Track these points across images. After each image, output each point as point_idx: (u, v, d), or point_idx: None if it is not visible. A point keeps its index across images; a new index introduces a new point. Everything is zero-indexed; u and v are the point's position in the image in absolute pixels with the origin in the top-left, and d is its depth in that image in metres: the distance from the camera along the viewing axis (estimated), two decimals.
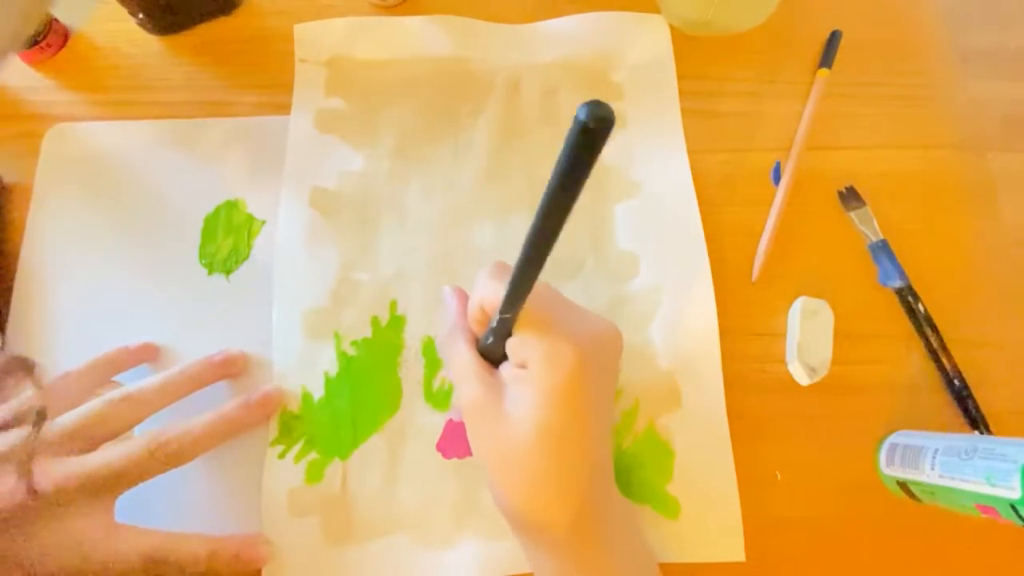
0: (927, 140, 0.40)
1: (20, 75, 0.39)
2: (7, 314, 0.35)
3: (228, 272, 0.36)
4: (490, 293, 0.26)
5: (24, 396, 0.28)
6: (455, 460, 0.33)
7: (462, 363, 0.27)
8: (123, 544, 0.27)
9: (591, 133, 0.16)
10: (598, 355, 0.26)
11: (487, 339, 0.27)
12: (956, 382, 0.35)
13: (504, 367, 0.27)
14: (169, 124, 0.38)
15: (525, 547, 0.27)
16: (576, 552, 0.25)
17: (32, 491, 0.25)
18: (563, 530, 0.25)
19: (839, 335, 0.35)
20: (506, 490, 0.25)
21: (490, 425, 0.26)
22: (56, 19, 0.39)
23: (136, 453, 0.27)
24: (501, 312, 0.24)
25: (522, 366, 0.25)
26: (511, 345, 0.26)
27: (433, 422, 0.33)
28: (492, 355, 0.27)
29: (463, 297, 0.30)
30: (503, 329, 0.25)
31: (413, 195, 0.37)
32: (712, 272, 0.35)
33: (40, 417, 0.27)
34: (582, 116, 0.15)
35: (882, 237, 0.37)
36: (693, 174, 0.37)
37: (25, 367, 0.28)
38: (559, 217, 0.19)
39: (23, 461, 0.26)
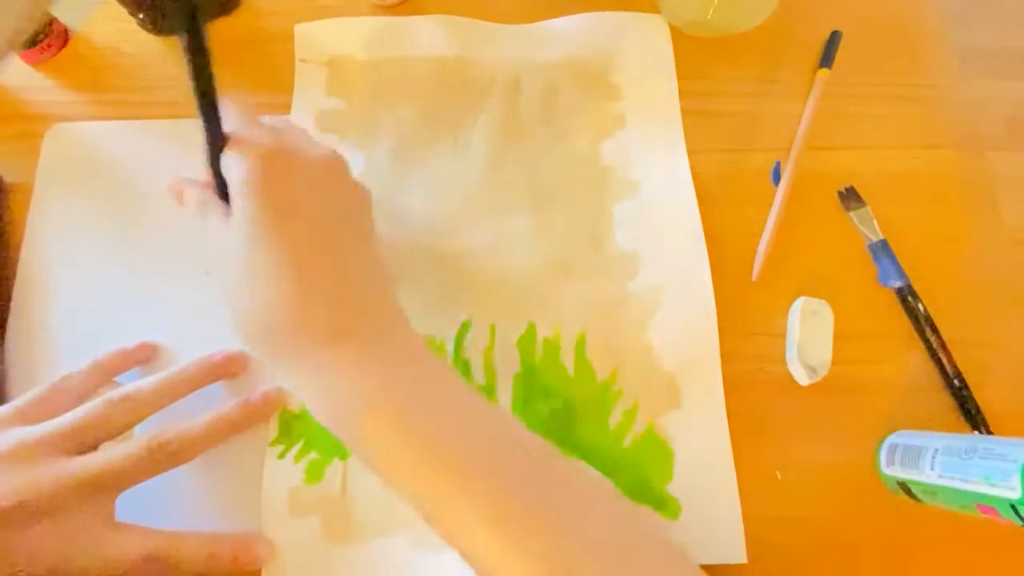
0: (927, 140, 0.40)
1: (20, 75, 0.39)
2: (7, 314, 0.35)
3: None
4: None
5: None
6: None
7: (201, 201, 0.28)
8: (123, 543, 0.27)
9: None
10: (290, 159, 0.27)
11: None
12: (956, 382, 0.35)
13: None
14: (169, 124, 0.38)
15: (287, 373, 0.27)
16: (342, 358, 0.25)
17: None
18: (321, 334, 0.25)
19: (839, 335, 0.35)
20: (236, 302, 0.26)
21: (218, 244, 0.26)
22: (56, 19, 0.39)
23: (136, 453, 0.27)
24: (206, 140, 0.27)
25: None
26: (224, 169, 0.27)
27: None
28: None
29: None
30: (211, 152, 0.27)
31: (413, 195, 0.37)
32: (712, 272, 0.35)
33: None
34: None
35: (882, 237, 0.37)
36: (693, 174, 0.37)
37: None
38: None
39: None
